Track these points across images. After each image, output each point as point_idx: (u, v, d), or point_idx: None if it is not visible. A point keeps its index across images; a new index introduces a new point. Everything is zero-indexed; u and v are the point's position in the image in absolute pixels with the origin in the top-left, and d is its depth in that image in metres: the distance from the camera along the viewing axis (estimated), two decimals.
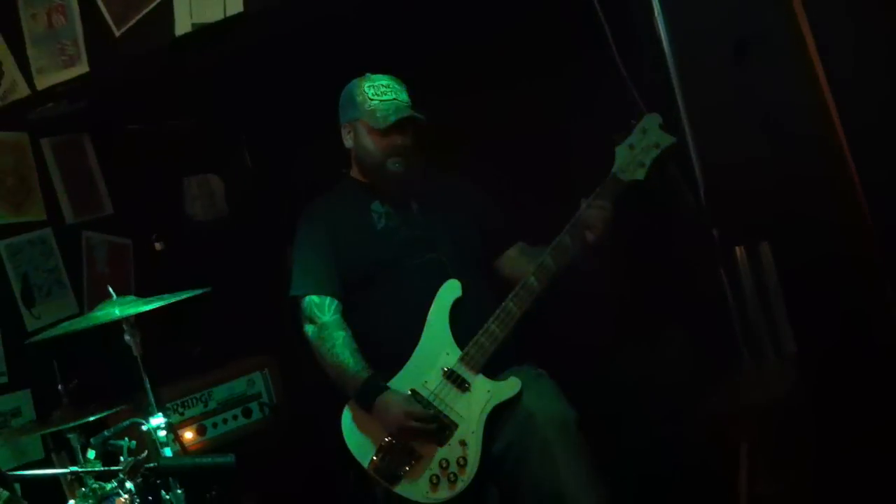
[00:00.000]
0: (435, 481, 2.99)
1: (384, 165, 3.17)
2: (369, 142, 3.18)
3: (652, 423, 3.53)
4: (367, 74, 3.24)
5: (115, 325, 3.14)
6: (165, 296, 3.14)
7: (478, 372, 3.03)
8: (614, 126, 3.13)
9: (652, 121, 3.04)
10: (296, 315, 3.27)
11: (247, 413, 3.96)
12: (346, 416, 3.11)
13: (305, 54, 3.86)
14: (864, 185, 2.90)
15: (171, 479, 3.01)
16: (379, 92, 3.18)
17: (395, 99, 3.17)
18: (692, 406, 3.27)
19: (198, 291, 3.21)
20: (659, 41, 3.72)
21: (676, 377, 3.46)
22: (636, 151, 3.04)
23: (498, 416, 3.02)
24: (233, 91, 4.39)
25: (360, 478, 3.07)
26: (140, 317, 3.14)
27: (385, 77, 3.22)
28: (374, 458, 3.04)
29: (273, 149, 4.61)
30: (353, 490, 3.13)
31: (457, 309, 3.09)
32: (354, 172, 3.31)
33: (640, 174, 3.03)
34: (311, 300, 3.18)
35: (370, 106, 3.16)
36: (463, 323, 3.07)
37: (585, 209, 3.00)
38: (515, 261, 3.23)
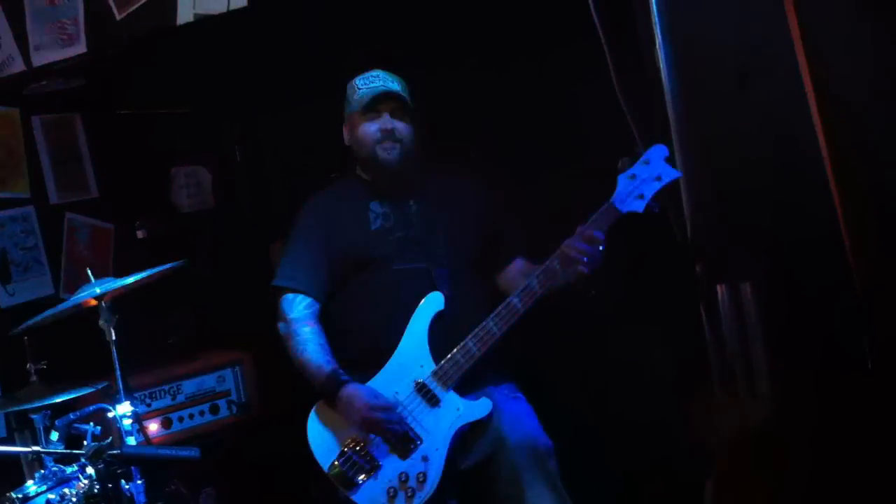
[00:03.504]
0: (392, 493, 2.97)
1: (375, 153, 3.17)
2: (359, 129, 3.20)
3: (625, 451, 3.52)
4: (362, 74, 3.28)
5: (92, 310, 3.12)
6: (142, 272, 3.12)
7: (449, 388, 3.01)
8: (613, 145, 3.12)
9: (657, 152, 2.97)
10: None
11: (214, 410, 3.94)
12: (313, 417, 3.10)
13: (304, 52, 3.85)
14: (851, 231, 2.91)
15: (132, 468, 2.98)
16: (367, 81, 3.22)
17: (381, 85, 3.19)
18: (664, 437, 3.28)
19: (175, 264, 3.20)
20: (658, 72, 3.76)
21: (650, 407, 3.46)
22: (637, 182, 2.97)
23: (470, 433, 3.01)
24: (228, 85, 4.38)
25: (322, 480, 3.04)
26: (116, 302, 3.13)
27: (378, 70, 3.26)
28: (336, 461, 3.02)
29: (264, 146, 4.61)
30: (315, 492, 3.11)
31: (439, 321, 3.08)
32: (358, 170, 3.31)
33: (638, 206, 2.97)
34: (285, 297, 3.19)
35: (358, 94, 3.20)
36: (444, 335, 3.06)
37: (577, 236, 2.96)
38: (512, 279, 3.22)
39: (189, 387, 3.88)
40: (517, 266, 3.24)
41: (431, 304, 3.09)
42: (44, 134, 4.10)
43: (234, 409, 3.92)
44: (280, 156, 4.60)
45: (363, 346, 3.11)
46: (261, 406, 4.00)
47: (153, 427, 3.74)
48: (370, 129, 3.17)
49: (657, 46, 3.85)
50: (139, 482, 3.01)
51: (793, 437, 3.06)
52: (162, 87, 4.34)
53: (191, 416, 3.87)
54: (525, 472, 2.92)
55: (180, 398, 3.86)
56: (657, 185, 2.96)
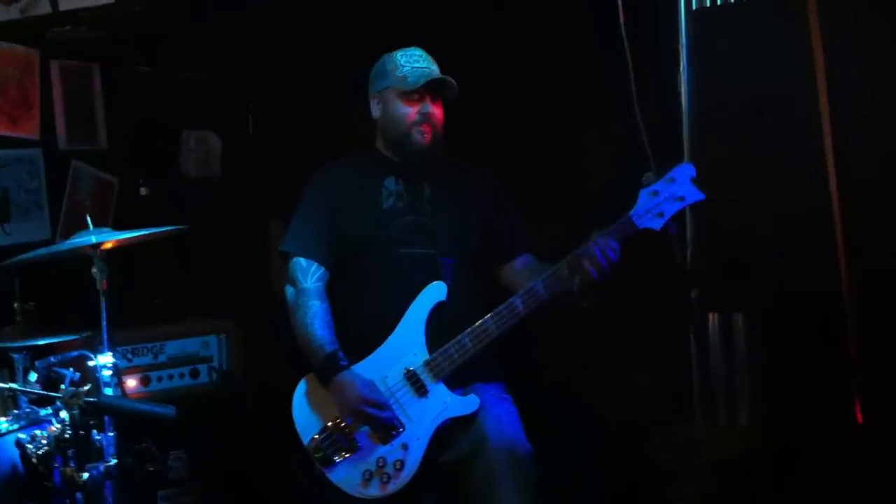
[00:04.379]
0: (367, 477, 2.96)
1: (410, 134, 3.12)
2: (398, 106, 3.14)
3: (601, 465, 3.51)
4: (401, 49, 3.22)
5: (85, 258, 3.11)
6: (142, 229, 3.12)
7: (439, 380, 2.99)
8: (625, 160, 3.12)
9: (683, 171, 2.92)
10: (281, 271, 3.23)
11: (195, 374, 3.92)
12: (301, 388, 3.08)
13: (325, 31, 3.86)
14: (851, 280, 2.91)
15: (106, 419, 2.98)
16: (411, 60, 3.16)
17: (426, 67, 3.15)
18: (641, 455, 3.27)
19: (176, 228, 3.19)
20: (678, 94, 3.77)
21: (631, 426, 3.46)
22: (659, 199, 2.92)
23: (453, 428, 2.99)
24: (249, 55, 4.39)
25: (300, 453, 3.03)
26: (111, 253, 3.13)
27: (418, 49, 3.21)
28: (316, 436, 3.01)
29: (277, 121, 4.60)
30: (291, 464, 3.09)
31: (438, 311, 3.05)
32: (378, 144, 3.27)
33: (656, 224, 2.92)
34: (298, 262, 3.14)
35: (401, 72, 3.14)
36: (441, 326, 3.03)
37: (592, 245, 2.92)
38: (517, 274, 3.18)
39: (172, 348, 3.87)
40: (524, 261, 3.21)
41: (433, 293, 3.06)
42: (60, 79, 4.08)
43: (215, 375, 3.91)
44: (292, 134, 4.60)
45: (360, 327, 3.09)
46: (241, 376, 3.98)
47: (131, 383, 3.73)
48: (408, 110, 3.12)
49: (681, 69, 3.88)
50: (111, 434, 3.00)
51: (765, 468, 3.06)
52: (184, 49, 4.35)
53: (170, 378, 3.86)
54: (501, 475, 2.90)
55: (162, 358, 3.85)
56: (678, 206, 2.91)
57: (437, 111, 3.13)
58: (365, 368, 3.03)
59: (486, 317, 2.99)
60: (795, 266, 3.03)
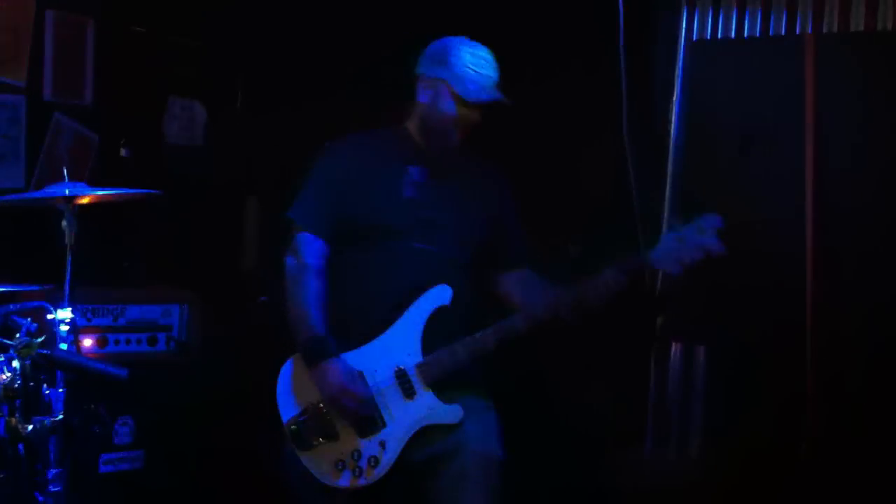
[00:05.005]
0: (340, 467, 2.92)
1: (450, 134, 3.01)
2: (449, 106, 2.98)
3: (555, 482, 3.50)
4: (464, 39, 3.04)
5: (57, 211, 3.09)
6: (117, 189, 3.09)
7: (428, 385, 2.94)
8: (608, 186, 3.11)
9: (712, 222, 2.85)
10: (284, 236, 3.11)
11: (152, 341, 3.88)
12: (287, 367, 3.02)
13: (322, 14, 3.85)
14: (816, 322, 2.94)
15: (58, 373, 2.95)
16: (477, 62, 2.98)
17: (490, 75, 3.00)
18: (593, 478, 3.28)
19: (151, 191, 3.15)
20: (668, 124, 3.80)
21: (584, 444, 3.46)
22: (683, 246, 2.85)
23: (434, 429, 2.95)
24: (245, 28, 4.38)
25: (275, 430, 3.00)
26: (84, 210, 3.10)
27: (485, 49, 3.03)
28: (295, 417, 2.97)
29: (266, 98, 4.59)
30: (259, 443, 3.05)
31: (438, 313, 2.98)
32: (411, 125, 3.10)
33: (674, 269, 2.86)
34: (304, 236, 3.03)
35: (464, 75, 2.97)
36: (438, 328, 2.97)
37: (603, 279, 2.88)
38: (516, 285, 3.12)
39: (133, 312, 3.83)
40: (523, 274, 3.14)
41: (438, 296, 2.99)
42: (54, 29, 4.04)
43: (173, 345, 3.87)
44: (279, 113, 4.58)
45: (355, 313, 3.02)
46: (198, 349, 3.95)
47: (87, 342, 3.69)
48: (462, 116, 2.98)
49: (673, 99, 3.91)
50: (61, 391, 2.97)
51: (709, 499, 3.08)
52: (181, 14, 4.32)
53: (127, 342, 3.81)
54: (472, 479, 2.89)
55: (121, 321, 3.80)
56: (699, 256, 2.84)
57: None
58: (355, 358, 2.97)
59: (485, 330, 2.93)
60: (763, 303, 3.04)
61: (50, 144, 4.08)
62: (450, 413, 2.95)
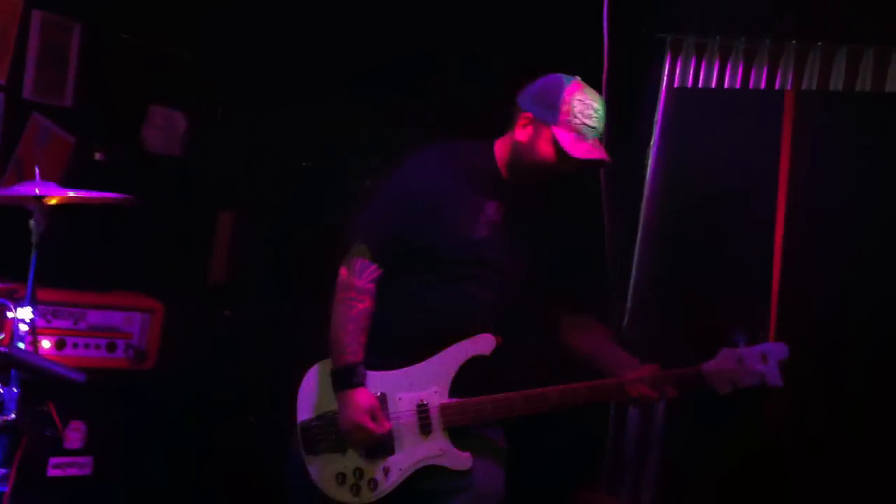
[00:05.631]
0: (340, 480, 2.90)
1: (541, 181, 2.92)
2: (546, 154, 2.84)
3: None
4: (577, 78, 2.86)
5: (24, 210, 3.06)
6: (87, 191, 3.07)
7: (446, 428, 2.88)
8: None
9: (777, 352, 2.70)
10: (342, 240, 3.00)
11: (111, 347, 3.84)
12: (317, 370, 2.99)
13: (310, 32, 3.87)
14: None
15: (13, 373, 2.91)
16: (586, 113, 2.81)
17: (595, 128, 2.83)
18: None
19: (123, 196, 3.13)
20: (644, 169, 3.83)
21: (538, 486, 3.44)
22: (740, 368, 2.70)
23: (440, 469, 2.89)
24: (232, 43, 4.38)
25: (287, 427, 2.99)
26: (53, 210, 3.07)
27: (598, 98, 2.86)
28: (308, 420, 2.96)
29: (247, 114, 4.59)
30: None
31: (476, 361, 2.90)
32: (500, 154, 2.95)
33: (723, 389, 2.72)
34: (364, 256, 2.91)
35: (569, 122, 2.80)
36: (473, 376, 2.89)
37: (652, 381, 2.81)
38: (580, 332, 3.04)
39: (94, 317, 3.79)
40: (586, 319, 3.06)
41: (480, 345, 2.90)
42: (40, 29, 4.04)
43: (132, 353, 3.84)
44: (260, 130, 4.59)
45: (400, 338, 2.94)
46: (157, 359, 3.91)
47: (45, 344, 3.64)
48: (557, 165, 2.84)
49: (651, 145, 3.94)
50: (14, 390, 2.94)
51: None
52: (170, 24, 4.33)
53: (86, 346, 3.77)
54: None
55: (82, 325, 3.76)
56: (754, 383, 2.69)
57: None
58: (386, 379, 2.92)
59: (517, 394, 2.87)
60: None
61: (26, 143, 4.06)
62: (459, 460, 2.88)
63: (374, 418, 2.86)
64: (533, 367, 3.01)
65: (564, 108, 2.80)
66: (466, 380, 2.90)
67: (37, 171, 3.14)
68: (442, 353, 2.91)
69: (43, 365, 2.86)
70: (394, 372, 2.93)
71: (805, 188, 2.90)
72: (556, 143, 2.81)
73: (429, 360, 2.91)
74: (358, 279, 2.91)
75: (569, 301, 3.05)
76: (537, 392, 2.86)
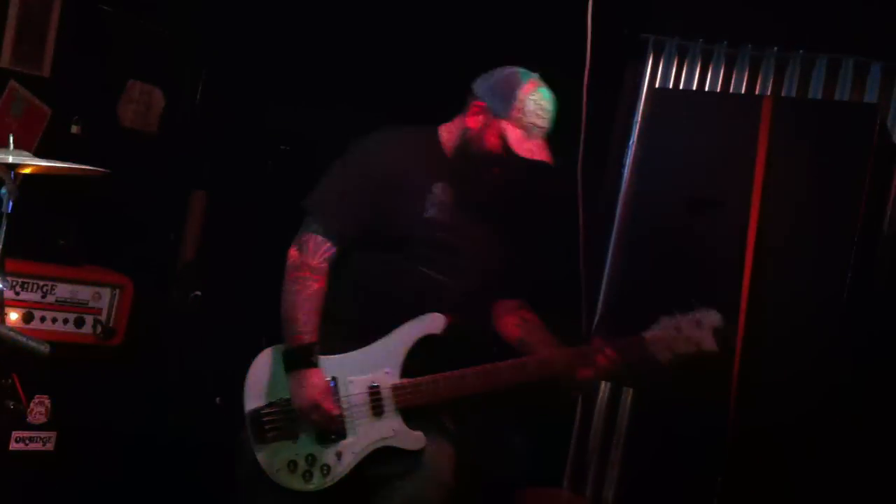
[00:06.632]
0: (291, 468, 2.89)
1: (486, 170, 2.92)
2: (492, 145, 2.88)
3: None
4: (534, 77, 2.92)
5: None
6: (61, 162, 3.03)
7: (398, 408, 2.89)
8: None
9: (710, 318, 2.79)
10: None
11: (79, 322, 3.82)
12: (265, 356, 2.97)
13: (298, 19, 3.85)
14: (742, 379, 2.96)
15: None
16: (537, 113, 2.87)
17: (543, 128, 2.88)
18: None
19: (97, 170, 3.10)
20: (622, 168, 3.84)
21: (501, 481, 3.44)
22: (678, 336, 2.80)
23: (393, 450, 2.91)
24: (215, 21, 4.36)
25: (237, 417, 2.97)
26: (26, 180, 3.04)
27: (551, 98, 2.91)
28: (258, 408, 2.93)
29: (226, 95, 4.56)
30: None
31: (428, 340, 2.92)
32: (446, 135, 3.01)
33: (664, 357, 2.81)
34: (316, 233, 2.91)
35: (520, 119, 2.86)
36: (426, 356, 2.91)
37: (597, 351, 2.86)
38: (509, 314, 3.08)
39: (63, 291, 3.76)
40: (518, 305, 3.09)
41: (430, 324, 2.92)
42: None
43: (99, 329, 3.81)
44: (237, 112, 4.56)
45: (345, 321, 2.95)
46: (124, 336, 3.89)
47: (13, 316, 3.62)
48: (502, 155, 2.88)
49: (628, 147, 3.96)
50: None
51: None
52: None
53: (53, 321, 3.74)
54: (415, 502, 2.86)
55: (50, 299, 3.74)
56: (691, 350, 2.79)
57: None
58: (336, 363, 2.92)
59: (469, 368, 2.87)
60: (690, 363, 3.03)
61: (1, 110, 4.02)
62: (412, 440, 2.90)
63: (327, 398, 2.86)
64: (488, 348, 3.01)
65: (517, 104, 2.86)
66: (420, 360, 2.91)
67: (10, 139, 3.10)
68: (392, 334, 2.92)
69: (6, 334, 2.83)
70: (346, 355, 2.93)
71: (778, 194, 2.91)
72: (503, 137, 2.86)
73: (379, 342, 2.92)
74: (311, 258, 2.91)
75: (524, 294, 3.08)
76: (489, 366, 2.87)
